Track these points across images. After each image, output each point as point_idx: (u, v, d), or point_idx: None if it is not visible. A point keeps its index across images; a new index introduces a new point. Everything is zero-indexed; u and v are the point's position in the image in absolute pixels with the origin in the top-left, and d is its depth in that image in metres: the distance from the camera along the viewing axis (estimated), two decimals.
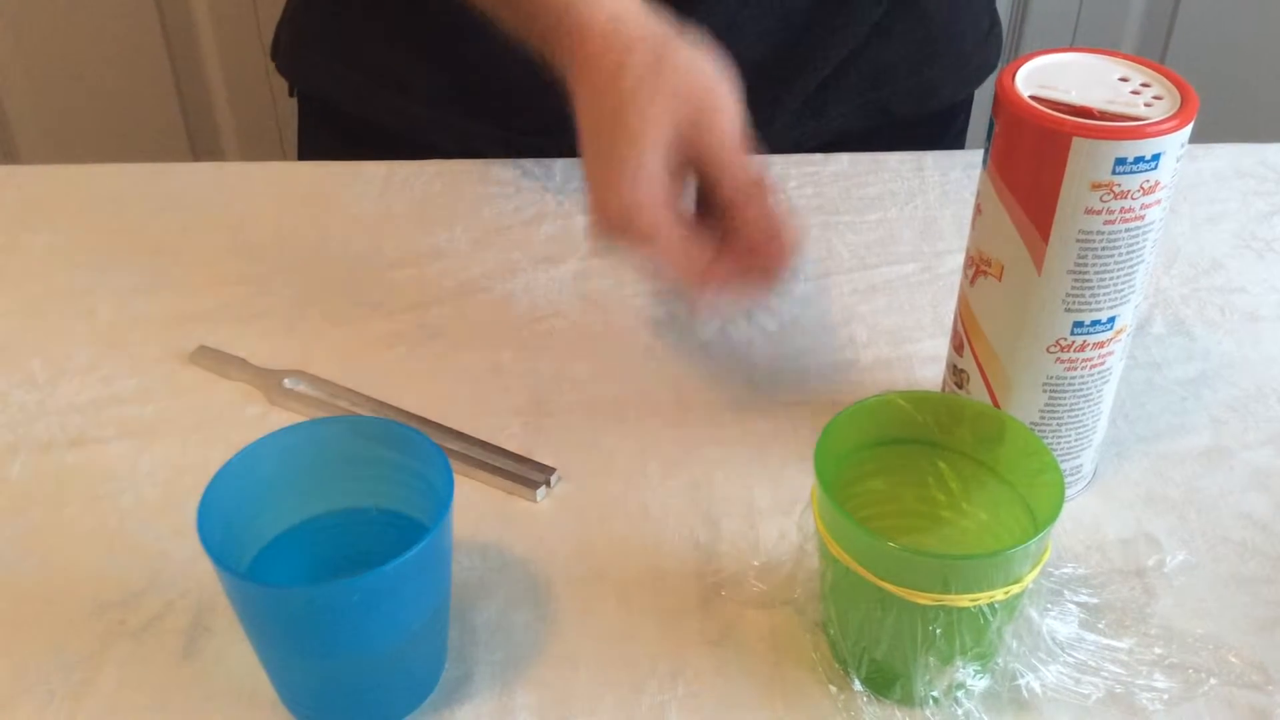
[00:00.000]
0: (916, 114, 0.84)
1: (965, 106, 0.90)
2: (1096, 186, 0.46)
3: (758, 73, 0.78)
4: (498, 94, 0.79)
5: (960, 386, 0.55)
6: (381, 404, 0.60)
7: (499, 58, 0.77)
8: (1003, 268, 0.50)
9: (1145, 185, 0.46)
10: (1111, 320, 0.50)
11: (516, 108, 0.79)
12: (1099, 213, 0.47)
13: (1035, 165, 0.47)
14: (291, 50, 0.86)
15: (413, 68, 0.80)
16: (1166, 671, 0.47)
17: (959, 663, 0.44)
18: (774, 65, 0.78)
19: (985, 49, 0.87)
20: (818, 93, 0.81)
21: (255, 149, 1.59)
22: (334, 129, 0.87)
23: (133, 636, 0.49)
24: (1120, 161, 0.45)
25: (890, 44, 0.81)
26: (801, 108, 0.81)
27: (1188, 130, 0.46)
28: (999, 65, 0.89)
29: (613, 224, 0.54)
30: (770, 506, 0.55)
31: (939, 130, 0.87)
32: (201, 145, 1.60)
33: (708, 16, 0.75)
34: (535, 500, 0.55)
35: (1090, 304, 0.49)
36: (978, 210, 0.51)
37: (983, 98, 0.82)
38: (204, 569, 0.43)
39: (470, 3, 0.64)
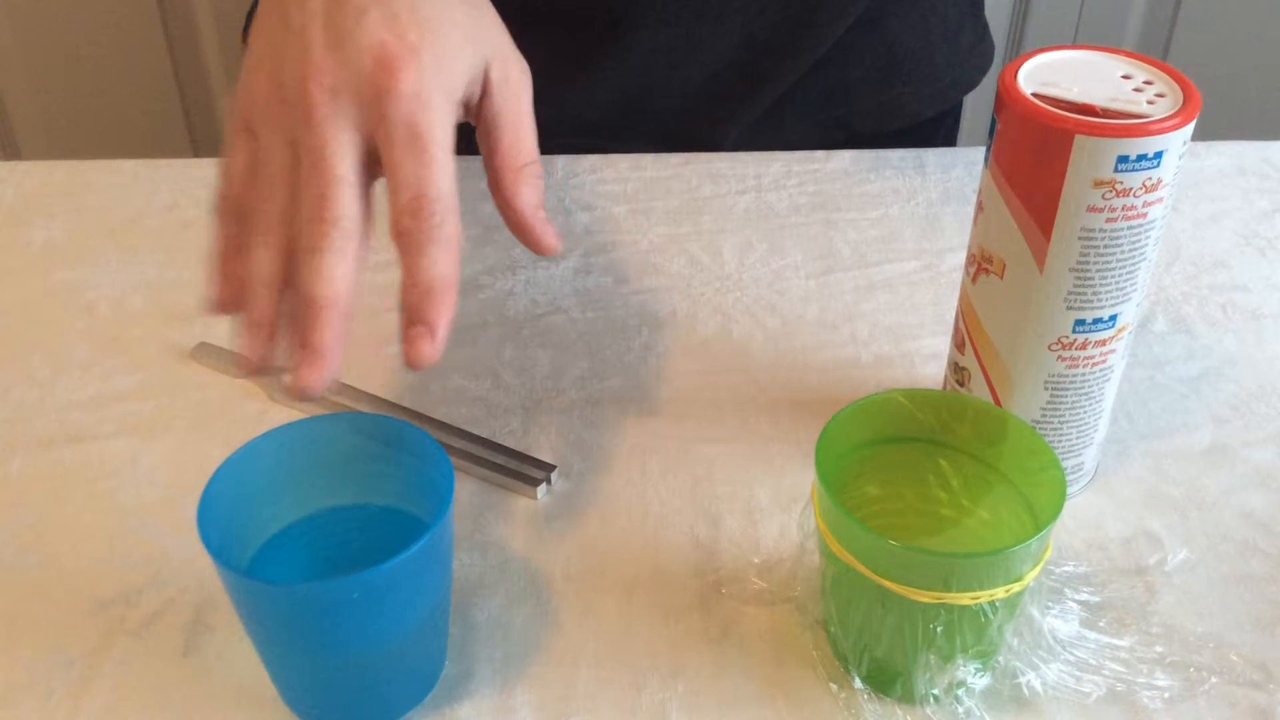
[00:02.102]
0: (879, 132, 0.83)
1: (943, 123, 0.88)
2: (1099, 184, 0.46)
3: (714, 88, 0.78)
4: None
5: (962, 384, 0.55)
6: (381, 401, 0.60)
7: None
8: (1004, 265, 0.50)
9: (1147, 183, 0.46)
10: (1113, 318, 0.50)
11: None
12: (1101, 210, 0.47)
13: (1037, 163, 0.47)
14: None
15: None
16: (1167, 670, 0.47)
17: (960, 661, 0.44)
18: (731, 82, 0.78)
19: (963, 67, 0.85)
20: (775, 107, 0.80)
21: None
22: None
23: (133, 634, 0.49)
24: (1122, 159, 0.45)
25: (851, 62, 0.80)
26: (757, 122, 0.80)
27: (1190, 128, 0.46)
28: (982, 80, 0.87)
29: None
30: (771, 504, 0.55)
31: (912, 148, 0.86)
32: (202, 141, 1.60)
33: (665, 30, 0.75)
34: (535, 498, 0.55)
35: (1092, 302, 0.49)
36: (979, 208, 0.51)
37: (984, 97, 0.81)
38: (204, 566, 0.43)
39: None
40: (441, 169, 0.45)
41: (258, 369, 0.46)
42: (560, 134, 0.80)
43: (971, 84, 0.87)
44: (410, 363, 0.44)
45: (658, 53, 0.76)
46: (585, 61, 0.77)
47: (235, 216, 0.47)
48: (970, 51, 0.86)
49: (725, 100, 0.79)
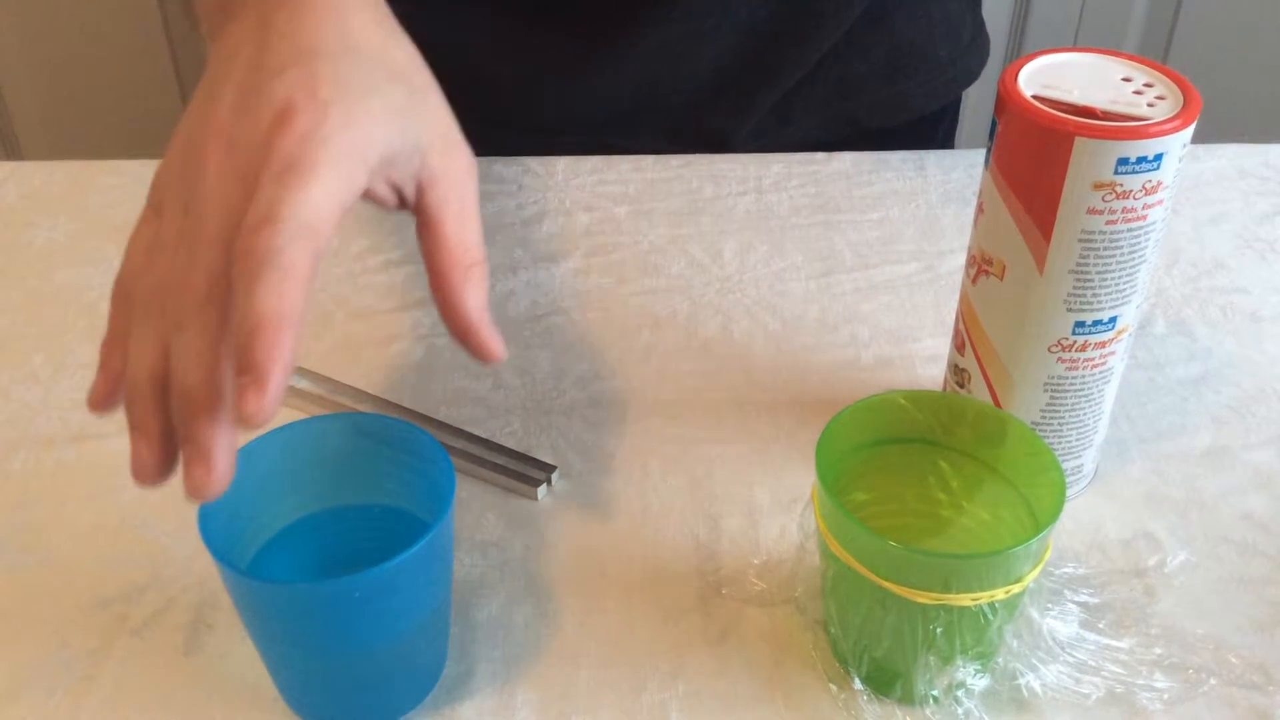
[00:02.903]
0: (886, 126, 0.84)
1: (944, 117, 0.89)
2: (1099, 186, 0.46)
3: (722, 82, 0.79)
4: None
5: (961, 386, 0.55)
6: (382, 401, 0.60)
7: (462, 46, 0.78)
8: (1005, 267, 0.50)
9: (1148, 185, 0.46)
10: (1113, 320, 0.50)
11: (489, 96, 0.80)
12: (1101, 213, 0.47)
13: (1037, 165, 0.47)
14: None
15: None
16: (1167, 671, 0.47)
17: (959, 662, 0.44)
18: (739, 75, 0.78)
19: (965, 60, 0.86)
20: (783, 102, 0.80)
21: None
22: None
23: (134, 633, 0.49)
24: (1123, 161, 0.45)
25: (858, 56, 0.80)
26: (767, 116, 0.81)
27: (1190, 130, 0.46)
28: (980, 74, 0.88)
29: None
30: (771, 505, 0.55)
31: (913, 144, 0.85)
32: None
33: (672, 26, 0.75)
34: (536, 498, 0.55)
35: (1092, 304, 0.49)
36: (980, 209, 0.51)
37: (984, 98, 0.81)
38: (205, 565, 0.43)
39: None
40: (309, 199, 0.38)
41: (152, 478, 0.41)
42: (570, 132, 0.80)
43: (971, 77, 0.88)
44: (240, 420, 0.37)
45: (664, 47, 0.76)
46: (590, 58, 0.77)
47: (126, 299, 0.42)
48: (970, 45, 0.87)
49: (733, 95, 0.79)
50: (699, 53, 0.77)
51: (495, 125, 0.81)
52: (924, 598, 0.42)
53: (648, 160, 0.78)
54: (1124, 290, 0.49)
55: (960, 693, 0.46)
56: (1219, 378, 0.62)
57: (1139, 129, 0.45)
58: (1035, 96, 0.47)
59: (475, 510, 0.55)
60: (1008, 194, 0.48)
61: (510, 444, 0.58)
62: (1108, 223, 0.47)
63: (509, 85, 0.79)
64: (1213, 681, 0.47)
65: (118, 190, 0.76)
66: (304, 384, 0.61)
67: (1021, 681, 0.47)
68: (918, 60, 0.83)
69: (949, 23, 0.84)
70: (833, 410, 0.47)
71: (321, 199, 0.39)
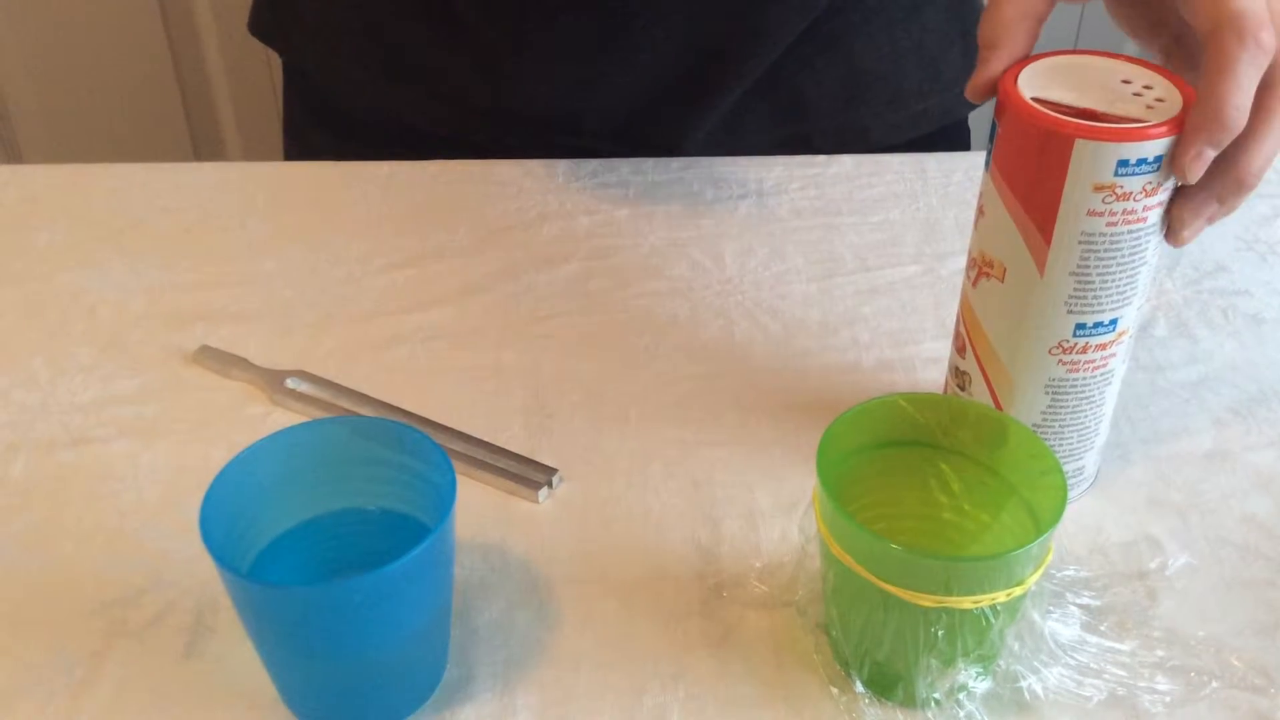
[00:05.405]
0: (845, 153, 0.80)
1: (941, 141, 0.84)
2: (1099, 188, 0.46)
3: (661, 89, 0.76)
4: (448, 75, 0.79)
5: (962, 388, 0.55)
6: (383, 404, 0.60)
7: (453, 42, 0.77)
8: (1005, 269, 0.50)
9: (1148, 187, 0.46)
10: (1114, 322, 0.50)
11: (476, 93, 0.79)
12: (1101, 215, 0.47)
13: (1037, 167, 0.47)
14: (262, 13, 0.85)
15: (370, 43, 0.79)
16: (1169, 674, 0.47)
17: (961, 665, 0.44)
18: (678, 83, 0.76)
19: (943, 97, 0.81)
20: (733, 116, 0.78)
21: (258, 149, 1.59)
22: (310, 99, 0.87)
23: (134, 635, 0.49)
24: (1123, 163, 0.45)
25: (812, 77, 0.78)
26: (718, 126, 0.78)
27: None
28: (967, 115, 0.84)
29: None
30: (772, 508, 0.55)
31: None
32: (204, 145, 1.60)
33: (590, 15, 0.73)
34: (537, 501, 0.55)
35: (1093, 306, 0.49)
36: (980, 212, 0.51)
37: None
38: (206, 568, 0.43)
39: None
40: None
41: None
42: (511, 125, 0.78)
43: (951, 115, 0.83)
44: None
45: (583, 33, 0.74)
46: (508, 50, 0.75)
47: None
48: (957, 80, 0.81)
49: (674, 104, 0.77)
50: (632, 52, 0.75)
51: (442, 104, 0.79)
52: (925, 600, 0.42)
53: (648, 163, 0.78)
54: (1125, 292, 0.49)
55: (962, 695, 0.46)
56: (1220, 380, 0.62)
57: (1139, 131, 0.45)
58: (1035, 98, 0.47)
59: (476, 513, 0.55)
60: (1008, 196, 0.48)
61: (511, 447, 0.58)
62: (1108, 224, 0.47)
63: (444, 70, 0.77)
64: (1214, 684, 0.47)
65: (118, 194, 0.76)
66: (304, 387, 0.61)
67: (1023, 684, 0.46)
68: (878, 90, 0.79)
69: (922, 54, 0.80)
70: (833, 413, 0.47)
71: None
